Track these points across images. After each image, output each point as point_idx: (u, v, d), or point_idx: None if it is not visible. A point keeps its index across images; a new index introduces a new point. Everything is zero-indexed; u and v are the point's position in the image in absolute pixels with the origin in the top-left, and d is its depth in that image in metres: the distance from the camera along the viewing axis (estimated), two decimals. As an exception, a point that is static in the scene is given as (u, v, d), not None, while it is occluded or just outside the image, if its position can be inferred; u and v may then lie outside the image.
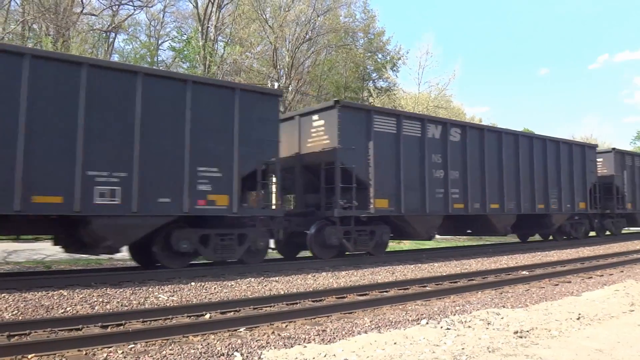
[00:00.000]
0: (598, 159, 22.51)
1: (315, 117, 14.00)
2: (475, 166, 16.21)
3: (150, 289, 8.89)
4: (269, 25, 34.10)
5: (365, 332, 6.39)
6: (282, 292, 9.02)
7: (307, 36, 35.13)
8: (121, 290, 8.72)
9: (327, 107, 13.66)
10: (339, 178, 12.85)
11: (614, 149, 23.83)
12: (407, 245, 20.39)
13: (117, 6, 33.39)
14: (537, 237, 22.66)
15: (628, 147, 59.93)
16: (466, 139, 15.96)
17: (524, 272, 12.18)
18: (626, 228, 25.67)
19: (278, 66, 34.66)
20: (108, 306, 7.63)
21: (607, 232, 23.51)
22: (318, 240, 12.92)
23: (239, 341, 5.83)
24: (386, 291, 9.38)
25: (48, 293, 8.20)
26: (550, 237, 21.55)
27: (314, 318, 7.19)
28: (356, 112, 13.66)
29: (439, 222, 15.33)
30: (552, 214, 19.07)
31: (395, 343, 5.72)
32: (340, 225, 13.00)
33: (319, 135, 13.72)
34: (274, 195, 13.93)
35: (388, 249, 18.30)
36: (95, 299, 7.96)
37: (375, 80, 43.49)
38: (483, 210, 16.29)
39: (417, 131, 14.70)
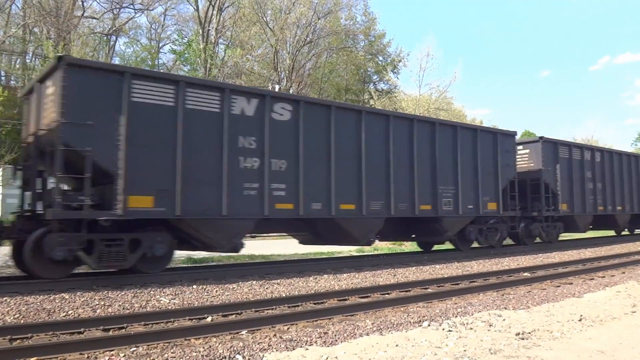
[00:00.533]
0: (523, 150, 19.15)
1: (48, 82, 10.20)
2: (316, 154, 12.51)
3: (152, 292, 8.89)
4: (270, 28, 34.19)
5: (367, 334, 6.38)
6: (284, 295, 9.03)
7: (308, 39, 35.23)
8: (123, 293, 8.73)
9: (54, 67, 9.89)
10: (59, 164, 9.26)
11: (541, 137, 19.26)
12: (408, 247, 20.38)
13: (118, 9, 33.49)
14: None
15: (629, 149, 59.58)
16: (299, 118, 12.23)
17: (525, 274, 12.16)
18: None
19: (279, 69, 34.74)
20: (110, 309, 7.63)
21: (537, 240, 19.44)
22: (38, 253, 9.21)
23: (241, 344, 5.83)
24: (388, 293, 9.37)
25: (50, 296, 8.20)
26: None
27: (316, 320, 7.19)
28: (99, 74, 9.85)
29: (249, 227, 11.71)
30: (443, 217, 15.19)
31: (397, 345, 5.71)
32: (61, 230, 9.31)
33: (49, 107, 10.06)
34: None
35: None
36: (97, 302, 7.97)
37: (376, 83, 43.59)
38: (327, 212, 12.63)
39: (215, 105, 11.01)
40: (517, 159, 18.37)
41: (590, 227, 22.14)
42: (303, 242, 15.06)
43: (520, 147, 19.27)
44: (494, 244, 17.30)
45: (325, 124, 12.81)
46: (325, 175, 12.68)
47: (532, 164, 19.15)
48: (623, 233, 26.57)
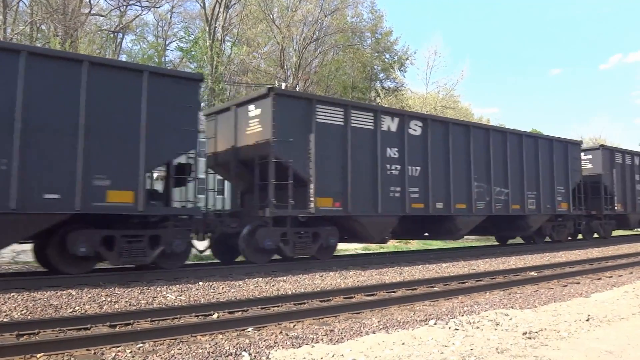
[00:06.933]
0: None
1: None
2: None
3: (158, 289, 8.92)
4: (276, 26, 34.16)
5: (373, 332, 6.37)
6: (290, 292, 9.02)
7: (315, 36, 35.18)
8: (129, 289, 8.75)
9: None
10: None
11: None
12: (414, 245, 20.36)
13: (125, 7, 33.56)
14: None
15: (637, 148, 59.26)
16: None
17: (532, 273, 12.11)
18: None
19: (285, 66, 34.71)
20: (116, 306, 7.65)
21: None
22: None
23: (247, 341, 5.83)
24: (394, 291, 9.35)
25: (57, 293, 8.24)
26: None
27: (322, 318, 7.18)
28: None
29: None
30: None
31: (403, 343, 5.70)
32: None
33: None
34: None
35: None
36: (104, 299, 8.00)
37: (383, 81, 43.46)
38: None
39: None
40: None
41: None
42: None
43: None
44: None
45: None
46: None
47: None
48: None
